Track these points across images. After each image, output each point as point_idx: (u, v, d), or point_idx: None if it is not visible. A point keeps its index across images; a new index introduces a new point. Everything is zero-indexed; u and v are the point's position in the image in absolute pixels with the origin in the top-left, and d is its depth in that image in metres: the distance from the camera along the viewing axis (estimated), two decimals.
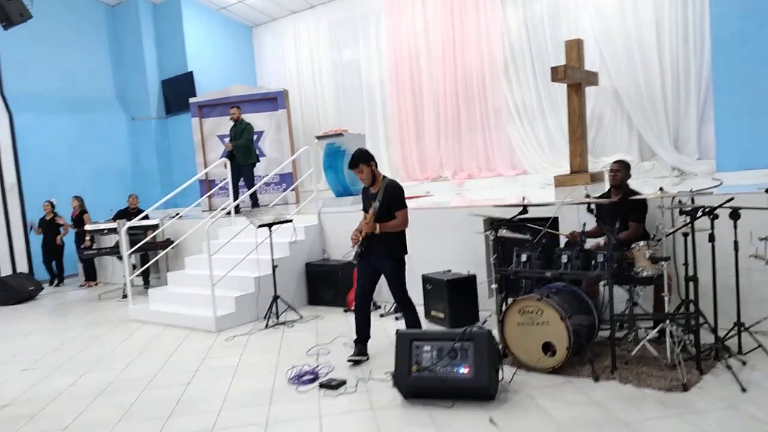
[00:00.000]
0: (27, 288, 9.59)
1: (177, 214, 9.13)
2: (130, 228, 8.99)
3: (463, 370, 3.76)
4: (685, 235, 4.27)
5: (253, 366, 5.07)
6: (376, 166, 4.73)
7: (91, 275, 10.75)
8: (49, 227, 10.55)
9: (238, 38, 13.30)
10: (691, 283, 4.05)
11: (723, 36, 6.81)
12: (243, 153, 9.37)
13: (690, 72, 8.20)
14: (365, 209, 4.82)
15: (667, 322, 4.04)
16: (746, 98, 6.59)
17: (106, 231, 9.33)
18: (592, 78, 8.70)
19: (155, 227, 9.10)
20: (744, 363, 4.04)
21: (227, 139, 9.64)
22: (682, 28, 8.19)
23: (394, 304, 6.33)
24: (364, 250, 4.68)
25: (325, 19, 12.16)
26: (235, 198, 9.16)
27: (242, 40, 13.42)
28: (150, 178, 12.97)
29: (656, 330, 4.25)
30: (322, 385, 4.34)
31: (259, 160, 9.67)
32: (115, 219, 9.45)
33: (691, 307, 4.14)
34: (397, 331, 4.02)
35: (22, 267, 10.92)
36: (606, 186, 5.43)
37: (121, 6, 12.87)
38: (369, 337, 4.92)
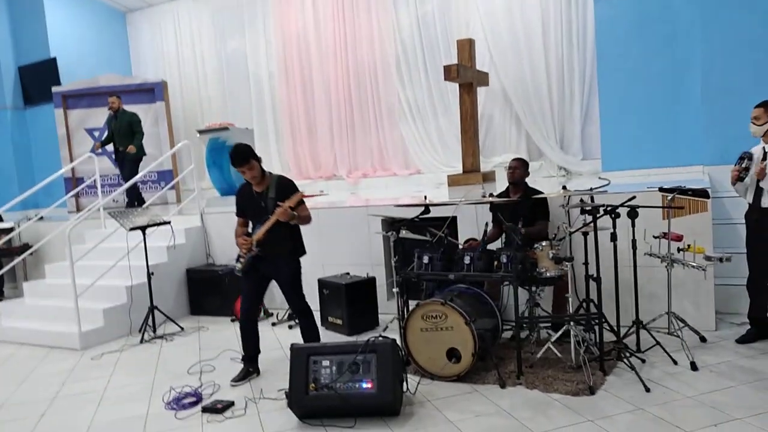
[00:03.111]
0: None
1: (37, 216, 8.06)
2: None
3: (366, 385, 3.43)
4: (585, 234, 4.24)
5: (123, 389, 4.43)
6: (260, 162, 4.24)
7: None
8: None
9: (109, 24, 12.06)
10: (592, 283, 4.01)
11: (606, 39, 7.01)
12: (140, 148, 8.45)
13: (574, 73, 8.45)
14: (243, 213, 4.33)
15: (571, 323, 3.95)
16: (629, 100, 6.82)
17: None
18: (483, 78, 8.73)
19: (9, 231, 7.95)
20: (643, 361, 4.04)
21: (104, 134, 8.60)
22: (566, 29, 8.41)
23: (288, 311, 5.89)
24: (256, 258, 4.17)
25: (208, 6, 11.35)
26: (128, 194, 8.27)
27: (114, 26, 12.20)
28: (6, 176, 11.42)
29: (560, 332, 4.17)
30: (205, 409, 3.84)
31: (146, 153, 8.69)
32: None
33: (592, 307, 4.10)
34: (292, 345, 3.61)
35: None
36: (498, 185, 5.35)
37: None
38: (259, 352, 4.46)
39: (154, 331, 5.85)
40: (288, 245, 4.24)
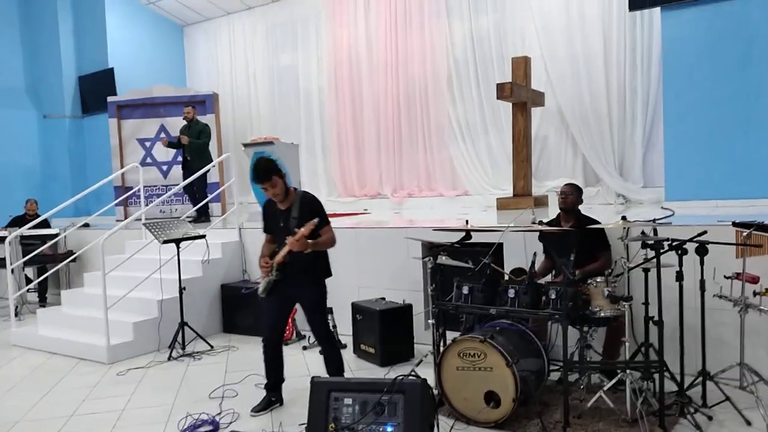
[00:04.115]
0: None
1: (81, 223, 8.13)
2: (27, 237, 7.94)
3: (391, 429, 3.09)
4: (646, 271, 3.80)
5: (142, 411, 4.23)
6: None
7: None
8: None
9: (167, 36, 12.31)
10: (652, 326, 3.56)
11: (673, 59, 6.54)
12: (199, 156, 8.49)
13: (637, 95, 7.94)
14: (270, 230, 4.07)
15: (627, 370, 3.51)
16: (696, 126, 6.31)
17: None
18: (538, 98, 8.33)
19: (54, 236, 8.02)
20: (710, 418, 3.55)
21: (176, 139, 8.76)
22: (630, 48, 7.93)
23: None
24: (278, 280, 3.90)
25: (262, 22, 11.39)
26: (194, 203, 8.27)
27: (172, 39, 12.44)
28: (61, 183, 11.70)
29: (615, 380, 3.71)
30: None
31: (211, 161, 8.65)
32: (7, 227, 8.31)
33: (652, 353, 3.65)
34: (312, 379, 3.31)
35: None
36: (551, 211, 4.93)
37: None
38: (283, 380, 4.18)
39: (183, 348, 5.68)
40: (312, 269, 3.96)
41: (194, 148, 8.55)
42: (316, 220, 3.70)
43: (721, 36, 6.16)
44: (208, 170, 8.15)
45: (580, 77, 8.29)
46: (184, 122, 8.85)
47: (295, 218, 3.84)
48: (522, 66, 8.01)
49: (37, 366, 5.52)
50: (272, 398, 4.12)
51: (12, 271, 6.84)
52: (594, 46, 8.16)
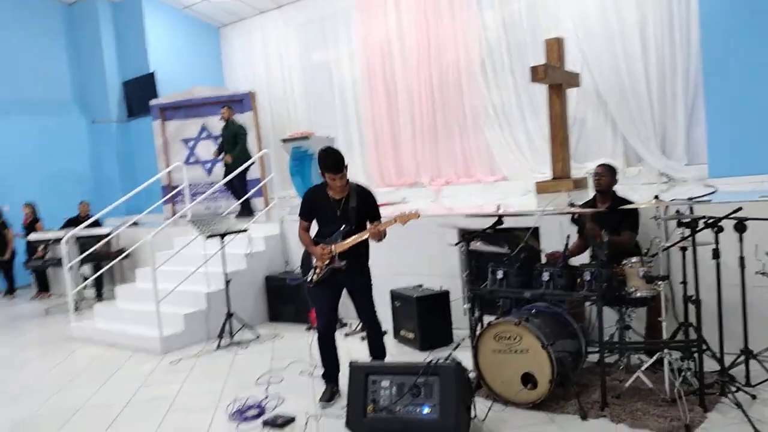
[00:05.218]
0: None
1: (131, 222, 8.46)
2: (82, 237, 8.35)
3: (428, 410, 3.18)
4: (683, 249, 3.75)
5: (193, 397, 4.44)
6: None
7: (43, 287, 10.01)
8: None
9: (203, 38, 12.63)
10: (691, 305, 3.52)
11: (713, 34, 6.35)
12: (238, 155, 8.76)
13: (677, 71, 7.73)
14: (311, 216, 4.10)
15: (665, 351, 3.49)
16: (739, 99, 6.12)
17: (52, 240, 8.59)
18: (574, 79, 8.21)
19: (106, 235, 8.39)
20: (754, 397, 3.50)
21: (218, 142, 9.13)
22: (668, 25, 7.72)
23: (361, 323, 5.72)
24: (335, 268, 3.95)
25: (294, 19, 11.55)
26: (238, 199, 8.54)
27: (208, 41, 12.75)
28: (110, 185, 12.20)
29: (653, 359, 3.70)
30: (266, 423, 3.75)
31: (250, 159, 8.86)
32: (63, 228, 8.74)
33: (691, 332, 3.61)
34: (351, 363, 3.42)
35: None
36: (591, 193, 4.90)
37: (78, 4, 12.14)
38: (339, 369, 4.17)
39: (231, 337, 5.89)
40: (363, 256, 4.07)
41: (235, 152, 8.76)
42: (394, 219, 3.89)
43: (762, 4, 5.94)
44: (247, 168, 8.37)
45: (616, 55, 8.13)
46: (222, 122, 9.10)
47: (353, 208, 3.92)
48: (555, 47, 7.90)
49: (95, 357, 5.83)
50: (334, 388, 4.11)
51: (69, 269, 7.19)
52: (630, 23, 7.98)
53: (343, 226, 3.91)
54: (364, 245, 4.00)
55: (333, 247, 3.91)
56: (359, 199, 3.97)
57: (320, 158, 3.87)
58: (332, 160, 3.81)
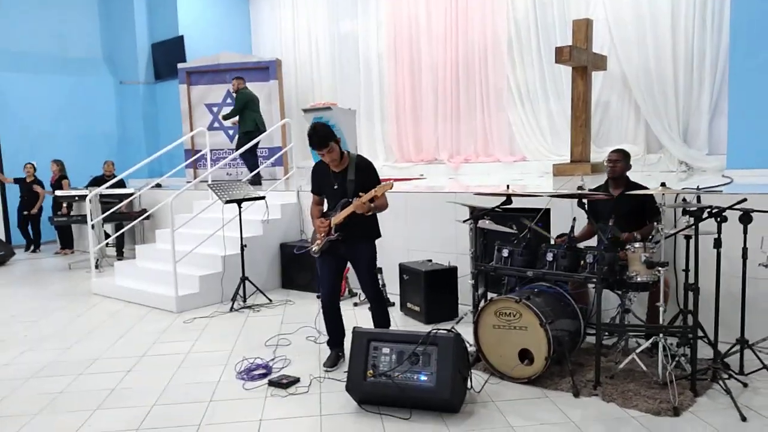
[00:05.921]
0: None
1: (153, 184, 8.69)
2: (105, 196, 8.59)
3: (424, 378, 3.31)
4: (687, 237, 3.80)
5: (204, 354, 4.64)
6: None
7: (67, 243, 10.35)
8: (28, 190, 10.14)
9: (233, 4, 12.64)
10: (690, 293, 3.58)
11: (741, 21, 6.23)
12: (241, 123, 9.01)
13: (705, 60, 7.61)
14: (320, 191, 4.22)
15: (661, 335, 3.56)
16: (763, 92, 6.03)
17: (77, 198, 8.85)
18: (600, 62, 8.13)
19: (129, 195, 8.63)
20: (745, 385, 3.57)
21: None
22: (700, 16, 7.58)
23: None
24: (335, 240, 4.05)
25: None
26: (251, 170, 8.75)
27: (238, 7, 12.76)
28: (135, 146, 12.46)
29: (648, 342, 3.78)
30: (271, 383, 3.91)
31: (259, 129, 9.02)
32: (88, 186, 8.99)
33: (689, 319, 3.67)
34: (354, 329, 3.56)
35: None
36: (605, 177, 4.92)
37: None
38: (344, 335, 4.32)
39: (245, 300, 6.08)
40: (366, 229, 4.13)
41: (227, 118, 9.10)
42: (381, 187, 3.84)
43: None
44: (255, 139, 8.57)
45: (645, 41, 8.00)
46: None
47: (351, 181, 3.98)
48: (583, 29, 7.82)
49: (114, 312, 6.07)
50: (339, 353, 4.28)
51: (92, 226, 7.44)
52: (661, 8, 7.84)
53: (341, 198, 4.01)
54: (367, 218, 4.03)
55: (332, 219, 4.02)
56: (357, 171, 4.01)
57: (308, 135, 3.93)
58: (316, 137, 3.86)
